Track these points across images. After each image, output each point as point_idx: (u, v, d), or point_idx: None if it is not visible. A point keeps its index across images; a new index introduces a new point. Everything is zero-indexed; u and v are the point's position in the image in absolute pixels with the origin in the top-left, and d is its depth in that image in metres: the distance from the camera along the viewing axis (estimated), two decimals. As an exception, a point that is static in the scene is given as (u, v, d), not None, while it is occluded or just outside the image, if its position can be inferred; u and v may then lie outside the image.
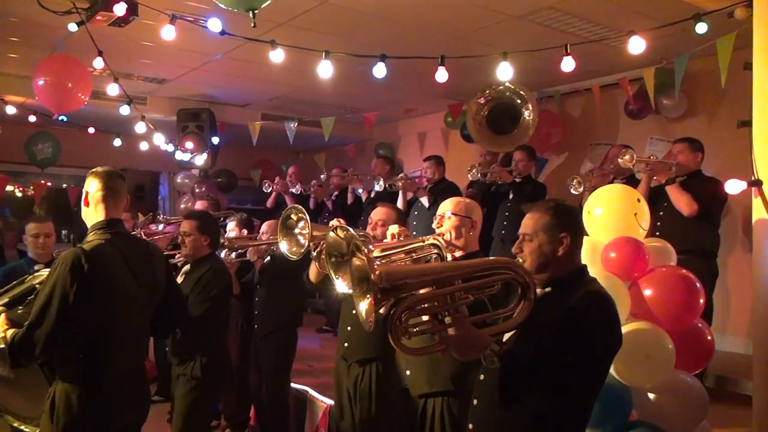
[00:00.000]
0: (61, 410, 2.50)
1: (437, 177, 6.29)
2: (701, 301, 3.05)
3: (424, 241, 2.63)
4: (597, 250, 3.03)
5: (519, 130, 6.45)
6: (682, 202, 4.47)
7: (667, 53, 5.14)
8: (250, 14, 3.54)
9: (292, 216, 3.09)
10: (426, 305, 2.03)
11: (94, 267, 2.49)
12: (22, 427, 2.82)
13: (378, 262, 2.01)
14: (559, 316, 1.99)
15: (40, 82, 5.50)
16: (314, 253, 3.18)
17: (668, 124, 6.34)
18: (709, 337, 3.11)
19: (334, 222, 2.53)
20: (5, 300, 2.81)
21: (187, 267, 3.91)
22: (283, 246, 3.09)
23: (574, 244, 2.14)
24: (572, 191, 5.03)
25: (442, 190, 5.95)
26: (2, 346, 2.52)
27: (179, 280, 3.85)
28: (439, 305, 2.03)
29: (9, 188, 9.20)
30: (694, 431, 2.97)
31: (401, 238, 2.86)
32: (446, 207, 2.93)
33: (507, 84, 6.30)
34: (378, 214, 3.48)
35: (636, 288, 2.99)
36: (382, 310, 1.94)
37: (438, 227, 2.88)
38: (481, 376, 2.18)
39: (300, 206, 3.16)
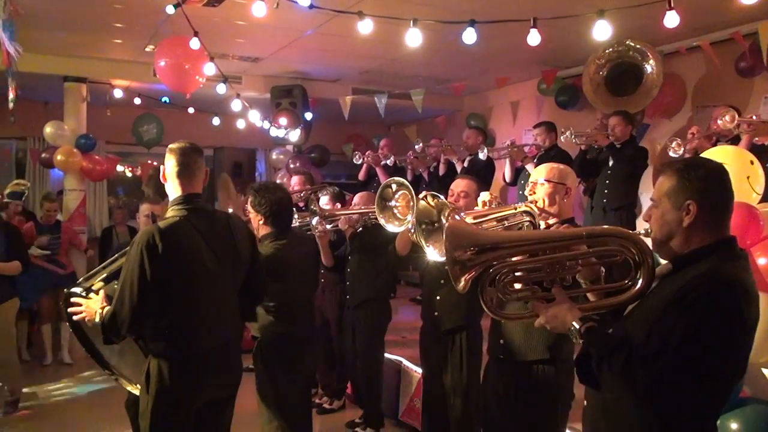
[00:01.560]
0: (153, 383, 2.57)
1: (548, 144, 6.07)
2: (823, 270, 2.81)
3: (516, 209, 2.55)
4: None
5: (641, 90, 6.18)
6: None
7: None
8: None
9: (392, 186, 2.99)
10: (525, 272, 1.95)
11: (169, 244, 2.48)
12: (131, 389, 2.98)
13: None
14: (669, 297, 1.73)
15: (161, 63, 5.82)
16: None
17: (785, 81, 5.85)
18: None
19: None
20: (104, 275, 2.90)
21: None
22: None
23: (706, 213, 1.78)
24: (671, 153, 4.75)
25: (552, 157, 5.60)
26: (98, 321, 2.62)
27: None
28: (541, 273, 1.93)
29: (120, 168, 9.78)
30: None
31: (493, 206, 2.79)
32: (539, 173, 2.82)
33: (629, 42, 6.04)
34: (459, 185, 3.42)
35: (749, 257, 2.78)
36: (472, 274, 1.89)
37: (531, 194, 2.79)
38: None
39: (400, 178, 3.07)
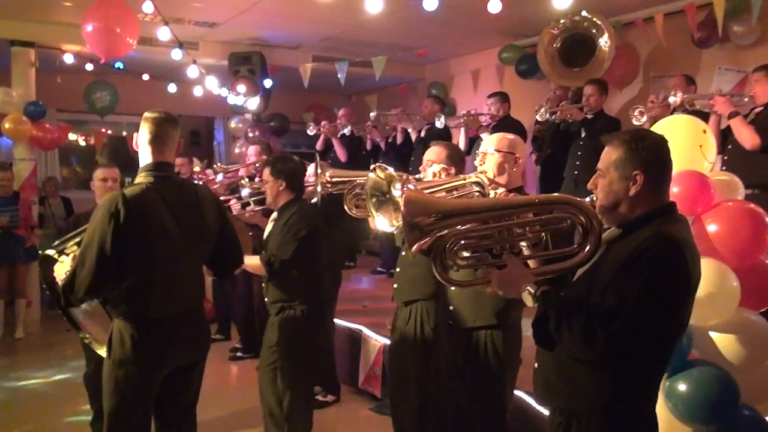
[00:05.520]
0: (116, 346, 2.63)
1: (502, 114, 6.10)
2: (769, 236, 2.90)
3: (465, 179, 2.57)
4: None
5: (594, 62, 6.22)
6: (743, 135, 4.23)
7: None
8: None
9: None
10: (477, 239, 1.99)
11: (131, 211, 2.51)
12: (101, 352, 2.97)
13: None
14: (619, 259, 1.84)
15: (89, 28, 5.53)
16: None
17: (739, 52, 5.94)
18: (777, 274, 2.98)
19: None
20: (79, 239, 2.89)
21: (274, 215, 3.80)
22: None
23: (651, 182, 1.89)
24: (634, 122, 4.82)
25: (505, 127, 5.59)
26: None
27: (268, 228, 3.77)
28: (492, 240, 1.98)
29: (72, 137, 9.50)
30: (758, 371, 2.87)
31: (443, 176, 2.80)
32: (489, 144, 2.86)
33: (583, 14, 6.06)
34: (429, 153, 3.42)
35: (699, 224, 2.85)
36: (426, 241, 1.91)
37: (481, 164, 2.82)
38: None
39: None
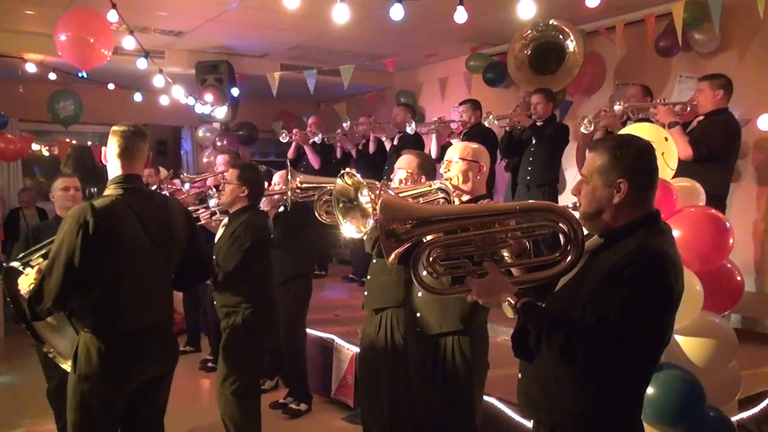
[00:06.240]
0: (82, 360, 2.59)
1: (473, 121, 6.14)
2: (730, 241, 2.97)
3: (431, 186, 2.59)
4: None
5: (563, 69, 6.33)
6: (678, 146, 4.31)
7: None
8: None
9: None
10: (456, 246, 1.97)
11: (101, 223, 2.51)
12: (66, 367, 2.91)
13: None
14: (601, 272, 1.78)
15: (62, 38, 5.45)
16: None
17: (699, 60, 6.09)
18: (738, 278, 3.05)
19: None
20: (44, 251, 2.85)
21: (225, 220, 3.90)
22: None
23: (635, 191, 1.83)
24: (582, 130, 4.93)
25: (477, 134, 5.76)
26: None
27: (219, 232, 3.87)
28: (473, 247, 1.95)
29: (36, 147, 9.30)
30: (722, 372, 2.93)
31: (409, 183, 2.82)
32: (453, 152, 2.90)
33: (552, 21, 6.17)
34: (400, 161, 3.43)
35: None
36: (404, 248, 1.90)
37: (446, 172, 2.85)
38: None
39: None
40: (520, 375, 2.05)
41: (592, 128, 4.86)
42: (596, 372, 1.73)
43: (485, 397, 3.15)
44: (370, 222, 2.06)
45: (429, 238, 1.93)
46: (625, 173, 1.82)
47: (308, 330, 5.02)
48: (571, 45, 6.26)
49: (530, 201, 2.14)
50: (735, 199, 4.44)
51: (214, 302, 3.86)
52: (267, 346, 4.20)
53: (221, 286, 3.69)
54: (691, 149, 4.29)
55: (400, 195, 2.47)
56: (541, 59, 6.52)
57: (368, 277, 3.51)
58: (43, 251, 2.85)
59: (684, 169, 4.18)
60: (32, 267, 2.76)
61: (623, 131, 3.17)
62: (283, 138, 7.20)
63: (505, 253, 2.05)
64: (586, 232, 1.93)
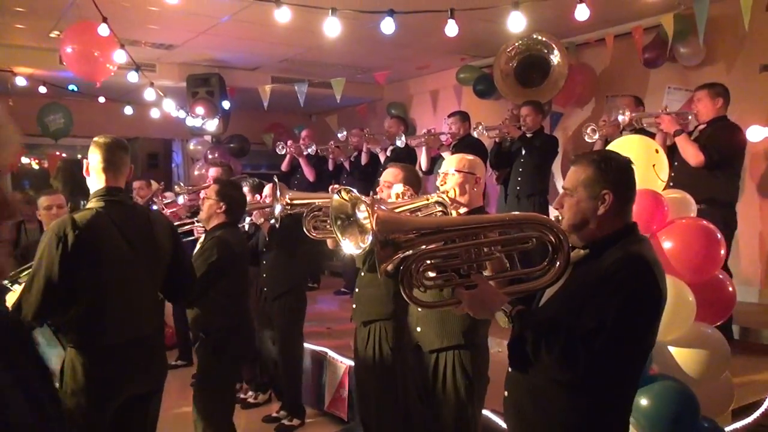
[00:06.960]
0: (68, 376, 2.54)
1: (462, 133, 6.15)
2: (722, 252, 3.00)
3: (428, 200, 2.60)
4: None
5: (548, 82, 6.39)
6: (688, 153, 4.37)
7: (686, -2, 4.98)
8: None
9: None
10: (444, 259, 1.97)
11: (81, 236, 2.47)
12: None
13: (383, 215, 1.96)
14: (591, 280, 1.84)
15: (68, 50, 5.47)
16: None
17: (686, 72, 6.16)
18: (730, 288, 3.07)
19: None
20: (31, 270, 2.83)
21: (202, 237, 3.81)
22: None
23: (619, 202, 1.91)
24: (586, 139, 4.98)
25: (466, 146, 5.74)
26: None
27: (197, 247, 3.79)
28: (460, 259, 1.95)
29: (26, 161, 9.25)
30: (716, 383, 2.94)
31: (406, 197, 2.83)
32: (449, 164, 2.90)
33: (535, 35, 6.23)
34: (386, 175, 3.43)
35: (655, 241, 2.93)
36: (390, 265, 1.89)
37: (442, 185, 2.85)
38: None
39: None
40: (506, 393, 2.06)
41: (596, 137, 4.91)
42: (596, 374, 1.78)
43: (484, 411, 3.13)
44: (369, 238, 2.04)
45: (414, 251, 1.93)
46: (610, 185, 1.90)
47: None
48: (554, 59, 6.33)
49: (519, 212, 2.16)
50: (738, 210, 4.50)
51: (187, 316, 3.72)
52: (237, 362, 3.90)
53: (192, 300, 3.51)
54: (703, 155, 4.31)
55: (399, 209, 2.47)
56: (526, 72, 6.58)
57: (356, 290, 3.51)
58: (32, 269, 2.84)
59: (692, 177, 4.28)
60: (20, 284, 2.73)
61: (614, 143, 3.19)
62: (280, 150, 7.21)
63: (488, 270, 2.06)
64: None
